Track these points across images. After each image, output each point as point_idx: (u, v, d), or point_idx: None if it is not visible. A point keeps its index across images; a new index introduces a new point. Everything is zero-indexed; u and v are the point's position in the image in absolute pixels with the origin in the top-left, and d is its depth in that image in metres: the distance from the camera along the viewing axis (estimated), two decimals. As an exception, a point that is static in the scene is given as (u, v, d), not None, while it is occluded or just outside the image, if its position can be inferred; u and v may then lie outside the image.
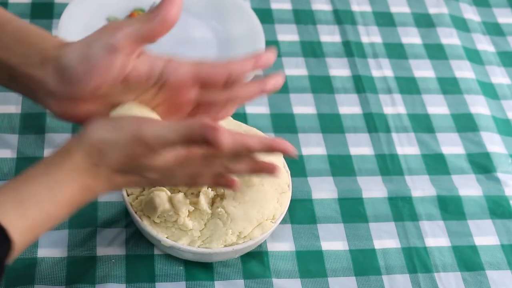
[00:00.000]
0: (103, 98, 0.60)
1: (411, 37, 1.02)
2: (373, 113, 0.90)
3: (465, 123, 0.92)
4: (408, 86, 0.95)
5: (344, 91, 0.93)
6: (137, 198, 0.70)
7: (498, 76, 0.99)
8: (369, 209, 0.80)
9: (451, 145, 0.89)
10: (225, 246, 0.68)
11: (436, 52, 1.00)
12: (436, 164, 0.86)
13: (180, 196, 0.68)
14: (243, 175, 0.62)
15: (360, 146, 0.87)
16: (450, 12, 1.06)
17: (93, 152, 0.55)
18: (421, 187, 0.83)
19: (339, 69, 0.95)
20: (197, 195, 0.68)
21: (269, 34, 0.97)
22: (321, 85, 0.93)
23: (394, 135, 0.88)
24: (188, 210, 0.68)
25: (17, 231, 0.52)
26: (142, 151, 0.55)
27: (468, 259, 0.78)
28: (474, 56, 1.01)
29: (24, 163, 0.78)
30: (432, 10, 1.06)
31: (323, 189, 0.81)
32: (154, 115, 0.61)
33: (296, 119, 0.88)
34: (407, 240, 0.78)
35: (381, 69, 0.96)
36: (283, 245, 0.76)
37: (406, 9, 1.06)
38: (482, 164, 0.87)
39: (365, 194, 0.81)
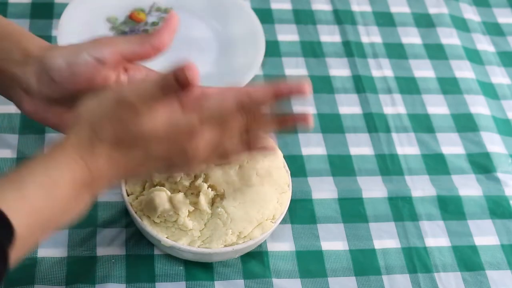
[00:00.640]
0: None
1: (411, 37, 1.02)
2: (373, 113, 0.90)
3: (465, 123, 0.92)
4: (408, 86, 0.95)
5: (344, 91, 0.93)
6: (137, 198, 0.70)
7: (498, 76, 1.00)
8: (369, 209, 0.80)
9: (451, 145, 0.89)
10: (225, 246, 0.68)
11: (436, 52, 1.00)
12: (436, 164, 0.86)
13: (180, 196, 0.68)
14: (274, 132, 0.61)
15: (360, 146, 0.87)
16: (450, 12, 1.06)
17: (84, 127, 0.54)
18: (421, 187, 0.83)
19: (339, 69, 0.95)
20: (197, 195, 0.68)
21: (269, 34, 0.97)
22: (321, 85, 0.93)
23: (394, 135, 0.88)
24: (188, 210, 0.68)
25: (18, 213, 0.50)
26: (127, 113, 0.54)
27: (468, 259, 0.78)
28: (474, 56, 1.01)
29: (24, 163, 0.78)
30: (432, 10, 1.06)
31: (323, 189, 0.81)
32: None
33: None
34: (407, 240, 0.78)
35: (381, 69, 0.96)
36: (283, 245, 0.76)
37: (406, 9, 1.06)
38: (482, 164, 0.87)
39: (365, 194, 0.81)
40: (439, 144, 0.89)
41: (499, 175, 0.86)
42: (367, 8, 1.05)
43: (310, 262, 0.75)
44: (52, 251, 0.71)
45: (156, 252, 0.73)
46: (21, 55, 0.60)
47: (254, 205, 0.69)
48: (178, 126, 0.55)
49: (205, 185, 0.68)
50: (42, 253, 0.71)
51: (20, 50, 0.60)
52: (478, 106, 0.94)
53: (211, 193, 0.69)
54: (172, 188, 0.69)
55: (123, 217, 0.75)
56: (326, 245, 0.76)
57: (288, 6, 1.03)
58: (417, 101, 0.93)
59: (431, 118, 0.91)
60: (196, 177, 0.69)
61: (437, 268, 0.76)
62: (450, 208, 0.82)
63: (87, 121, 0.54)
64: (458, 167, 0.87)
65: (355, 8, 1.04)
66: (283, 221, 0.75)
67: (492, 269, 0.77)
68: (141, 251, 0.73)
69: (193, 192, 0.69)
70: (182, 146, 0.56)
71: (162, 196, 0.68)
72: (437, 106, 0.93)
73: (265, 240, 0.75)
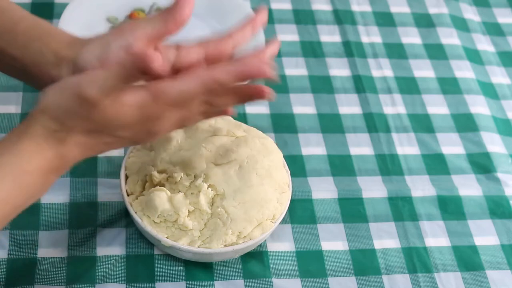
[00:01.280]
0: None
1: (411, 37, 1.02)
2: (373, 113, 0.90)
3: (465, 123, 0.92)
4: (408, 86, 0.95)
5: (344, 91, 0.93)
6: (137, 198, 0.70)
7: (498, 76, 1.00)
8: (369, 209, 0.80)
9: (451, 145, 0.89)
10: (225, 246, 0.68)
11: (436, 52, 1.00)
12: (436, 164, 0.86)
13: (180, 196, 0.68)
14: (233, 106, 0.61)
15: (360, 146, 0.87)
16: (450, 12, 1.06)
17: (51, 119, 0.54)
18: (421, 187, 0.83)
19: (339, 69, 0.95)
20: (197, 195, 0.68)
21: (269, 34, 0.97)
22: (321, 85, 0.93)
23: (394, 135, 0.88)
24: (188, 210, 0.68)
25: None
26: (88, 108, 0.53)
27: (468, 259, 0.78)
28: (474, 56, 1.01)
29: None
30: (432, 10, 1.06)
31: (323, 189, 0.81)
32: None
33: (296, 119, 0.88)
34: (407, 240, 0.78)
35: (381, 69, 0.96)
36: (283, 245, 0.76)
37: (406, 9, 1.06)
38: (482, 164, 0.87)
39: (365, 194, 0.81)
40: (439, 144, 0.89)
41: (499, 175, 0.86)
42: (367, 8, 1.05)
43: (310, 262, 0.75)
44: (52, 251, 0.71)
45: (156, 252, 0.73)
46: (54, 57, 0.60)
47: (254, 205, 0.69)
48: (146, 112, 0.55)
49: (205, 185, 0.68)
50: (42, 253, 0.71)
51: (52, 51, 0.60)
52: (478, 106, 0.94)
53: (211, 193, 0.69)
54: (172, 188, 0.69)
55: (123, 217, 0.75)
56: (326, 245, 0.76)
57: (288, 6, 1.03)
58: (417, 101, 0.93)
59: (431, 118, 0.92)
60: (196, 177, 0.69)
61: (437, 268, 0.76)
62: (450, 208, 0.82)
63: (53, 114, 0.54)
64: (458, 167, 0.87)
65: (355, 8, 1.04)
66: (283, 221, 0.75)
67: (492, 269, 0.77)
68: (141, 251, 0.73)
69: (193, 192, 0.69)
70: (149, 128, 0.57)
71: (162, 196, 0.68)
72: (437, 106, 0.93)
73: (265, 240, 0.75)
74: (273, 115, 0.88)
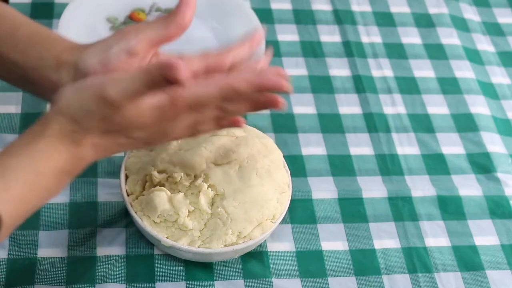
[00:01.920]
0: None
1: (411, 37, 1.02)
2: (373, 113, 0.90)
3: (465, 123, 0.92)
4: (408, 86, 0.95)
5: (344, 91, 0.93)
6: (137, 198, 0.70)
7: (498, 76, 1.00)
8: (369, 209, 0.80)
9: (451, 145, 0.89)
10: (225, 246, 0.68)
11: (436, 52, 1.00)
12: (436, 164, 0.86)
13: (180, 196, 0.68)
14: (245, 114, 0.61)
15: (360, 146, 0.87)
16: (450, 12, 1.06)
17: (68, 120, 0.54)
18: (421, 187, 0.83)
19: (339, 69, 0.95)
20: (197, 195, 0.68)
21: (269, 34, 0.97)
22: (321, 85, 0.93)
23: (394, 135, 0.88)
24: (188, 210, 0.68)
25: (3, 204, 0.51)
26: (110, 110, 0.54)
27: (468, 259, 0.78)
28: (474, 56, 1.01)
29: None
30: (432, 10, 1.06)
31: (323, 189, 0.81)
32: None
33: (296, 119, 0.88)
34: (407, 240, 0.78)
35: (381, 69, 0.96)
36: (283, 245, 0.76)
37: (406, 9, 1.06)
38: (482, 164, 0.87)
39: (365, 194, 0.81)
40: (439, 144, 0.89)
41: (499, 175, 0.86)
42: (367, 8, 1.05)
43: (310, 262, 0.75)
44: (52, 251, 0.71)
45: (156, 252, 0.73)
46: (55, 62, 0.60)
47: (254, 205, 0.69)
48: (163, 114, 0.55)
49: (205, 185, 0.68)
50: (42, 253, 0.71)
51: (52, 56, 0.60)
52: (478, 106, 0.94)
53: (211, 193, 0.69)
54: (172, 188, 0.69)
55: (123, 217, 0.75)
56: (326, 245, 0.76)
57: (288, 6, 1.03)
58: (417, 101, 0.93)
59: (431, 118, 0.91)
60: (196, 177, 0.69)
61: (437, 268, 0.76)
62: (450, 208, 0.82)
63: (70, 114, 0.54)
64: (458, 167, 0.87)
65: (355, 8, 1.04)
66: (283, 221, 0.75)
67: (492, 269, 0.77)
68: (141, 251, 0.73)
69: (193, 192, 0.69)
70: (164, 129, 0.58)
71: (162, 196, 0.68)
72: (437, 106, 0.93)
73: (265, 240, 0.75)
74: (273, 115, 0.88)
